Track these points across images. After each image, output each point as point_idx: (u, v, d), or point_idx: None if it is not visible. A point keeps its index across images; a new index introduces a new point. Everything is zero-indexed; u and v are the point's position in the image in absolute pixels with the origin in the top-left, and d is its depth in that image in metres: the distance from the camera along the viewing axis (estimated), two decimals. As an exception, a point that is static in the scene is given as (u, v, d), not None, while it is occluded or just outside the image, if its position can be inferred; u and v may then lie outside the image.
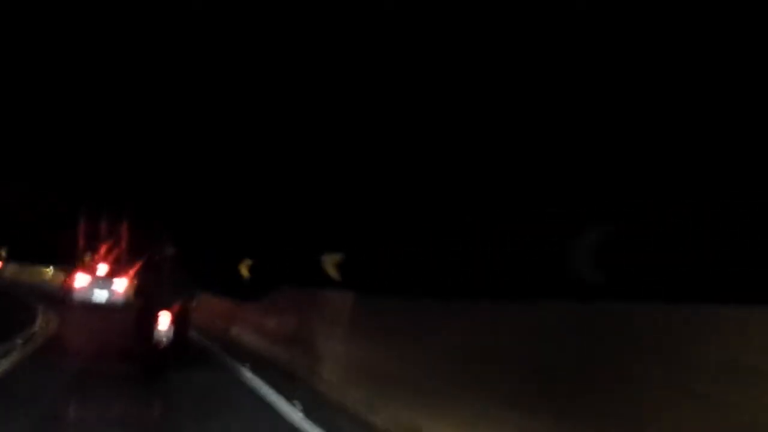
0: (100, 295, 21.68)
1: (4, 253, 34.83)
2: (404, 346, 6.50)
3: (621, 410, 4.00)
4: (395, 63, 14.59)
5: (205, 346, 12.26)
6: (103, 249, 31.51)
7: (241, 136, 20.19)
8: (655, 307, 4.06)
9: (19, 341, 10.29)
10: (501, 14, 12.48)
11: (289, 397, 7.39)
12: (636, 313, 4.16)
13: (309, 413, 6.65)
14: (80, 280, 21.92)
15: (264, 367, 9.52)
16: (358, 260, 11.99)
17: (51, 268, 23.96)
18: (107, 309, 20.85)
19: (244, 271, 18.03)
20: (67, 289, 22.15)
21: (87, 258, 28.63)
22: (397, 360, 6.45)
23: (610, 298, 4.85)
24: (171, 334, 8.27)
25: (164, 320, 8.23)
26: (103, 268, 23.52)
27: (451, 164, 12.80)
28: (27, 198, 31.19)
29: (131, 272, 28.41)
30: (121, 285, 22.30)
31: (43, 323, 13.71)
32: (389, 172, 13.83)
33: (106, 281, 22.30)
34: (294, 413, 6.72)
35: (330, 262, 11.80)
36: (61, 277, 24.07)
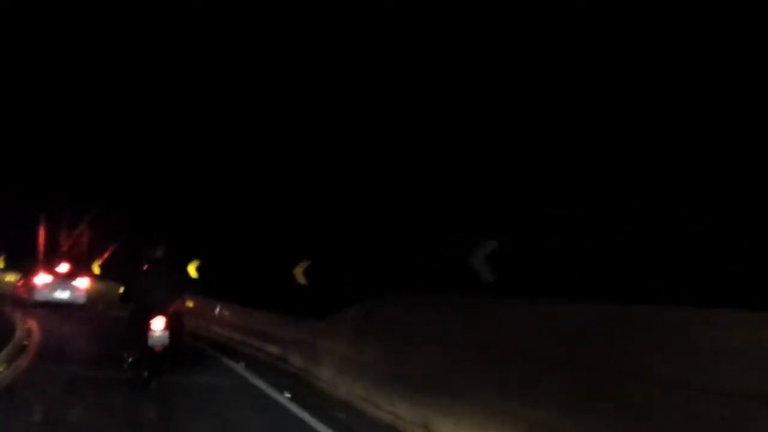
0: (62, 294, 22.08)
1: (1, 263, 33.96)
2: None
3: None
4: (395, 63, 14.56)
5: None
6: (64, 248, 31.38)
7: (256, 134, 20.07)
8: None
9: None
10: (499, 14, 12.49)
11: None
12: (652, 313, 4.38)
13: None
14: (42, 279, 22.18)
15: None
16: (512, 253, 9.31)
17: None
18: (69, 307, 21.24)
19: (300, 276, 15.43)
20: (28, 288, 22.23)
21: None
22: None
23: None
24: (167, 338, 8.08)
25: (158, 324, 8.05)
26: (64, 267, 23.62)
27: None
28: (27, 201, 30.89)
29: (94, 270, 28.41)
30: (82, 283, 22.77)
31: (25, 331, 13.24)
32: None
33: (67, 280, 22.59)
34: None
35: (481, 254, 8.66)
36: None
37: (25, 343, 11.63)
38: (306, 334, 10.26)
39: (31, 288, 22.03)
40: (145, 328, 8.00)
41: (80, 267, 25.02)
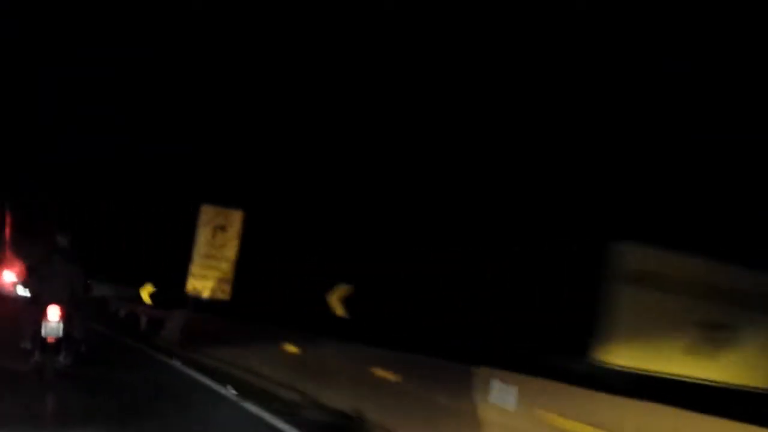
0: None
1: None
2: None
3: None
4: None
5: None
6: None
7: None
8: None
9: None
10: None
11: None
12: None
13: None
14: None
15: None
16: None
17: None
18: None
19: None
20: None
21: None
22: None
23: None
24: (61, 329, 7.78)
25: (53, 314, 7.74)
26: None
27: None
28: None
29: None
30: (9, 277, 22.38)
31: None
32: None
33: None
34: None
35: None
36: None
37: None
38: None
39: None
40: (40, 317, 7.77)
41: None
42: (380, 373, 7.05)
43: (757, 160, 8.42)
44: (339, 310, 10.28)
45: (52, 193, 27.99)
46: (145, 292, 16.19)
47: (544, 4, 11.81)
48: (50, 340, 7.74)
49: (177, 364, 10.56)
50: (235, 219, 13.83)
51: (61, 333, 7.76)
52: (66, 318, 7.81)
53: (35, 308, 7.88)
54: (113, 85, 22.83)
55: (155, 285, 16.28)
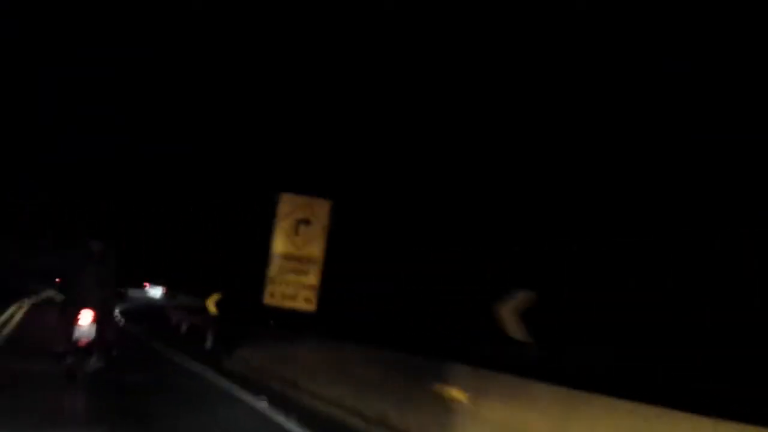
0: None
1: None
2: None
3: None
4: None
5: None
6: None
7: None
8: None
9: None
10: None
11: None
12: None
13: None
14: None
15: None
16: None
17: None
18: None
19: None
20: None
21: None
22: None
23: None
24: (93, 332, 8.13)
25: (86, 318, 8.13)
26: None
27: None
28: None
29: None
30: None
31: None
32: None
33: None
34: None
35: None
36: None
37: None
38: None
39: None
40: (73, 321, 8.13)
41: None
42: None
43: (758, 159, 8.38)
44: (515, 330, 7.54)
45: (52, 193, 27.52)
46: (212, 303, 13.96)
47: (544, 4, 11.96)
48: (82, 342, 8.10)
49: (262, 406, 7.62)
50: (321, 210, 11.54)
51: (93, 336, 8.12)
52: (98, 321, 8.17)
53: (68, 312, 8.22)
54: (113, 85, 21.98)
55: (225, 294, 14.10)
